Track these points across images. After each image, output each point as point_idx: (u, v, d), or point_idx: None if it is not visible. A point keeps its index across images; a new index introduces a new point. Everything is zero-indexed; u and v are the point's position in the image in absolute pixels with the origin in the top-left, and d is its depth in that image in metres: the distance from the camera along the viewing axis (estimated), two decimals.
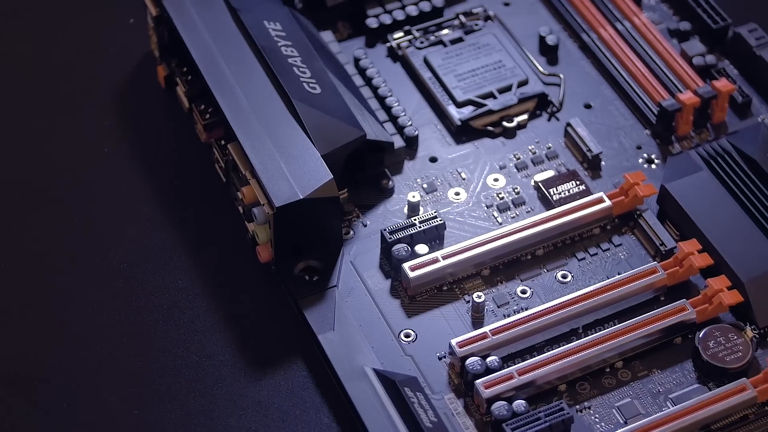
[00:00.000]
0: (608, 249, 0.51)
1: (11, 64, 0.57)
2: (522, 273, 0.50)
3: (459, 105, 0.54)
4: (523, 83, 0.55)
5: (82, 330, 0.49)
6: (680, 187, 0.51)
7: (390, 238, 0.49)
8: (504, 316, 0.48)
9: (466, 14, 0.57)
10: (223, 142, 0.52)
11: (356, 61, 0.56)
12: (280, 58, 0.51)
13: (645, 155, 0.53)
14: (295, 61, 0.52)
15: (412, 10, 0.57)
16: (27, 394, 0.47)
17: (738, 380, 0.46)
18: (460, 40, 0.56)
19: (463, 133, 0.54)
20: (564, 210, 0.50)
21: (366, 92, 0.54)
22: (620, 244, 0.51)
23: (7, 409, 0.47)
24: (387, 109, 0.54)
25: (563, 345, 0.47)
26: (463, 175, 0.53)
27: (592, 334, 0.47)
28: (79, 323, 0.49)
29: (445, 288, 0.49)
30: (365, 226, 0.51)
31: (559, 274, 0.50)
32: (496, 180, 0.52)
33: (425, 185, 0.52)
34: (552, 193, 0.52)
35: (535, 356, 0.47)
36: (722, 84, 0.53)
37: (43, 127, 0.55)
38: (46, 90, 0.56)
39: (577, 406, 0.46)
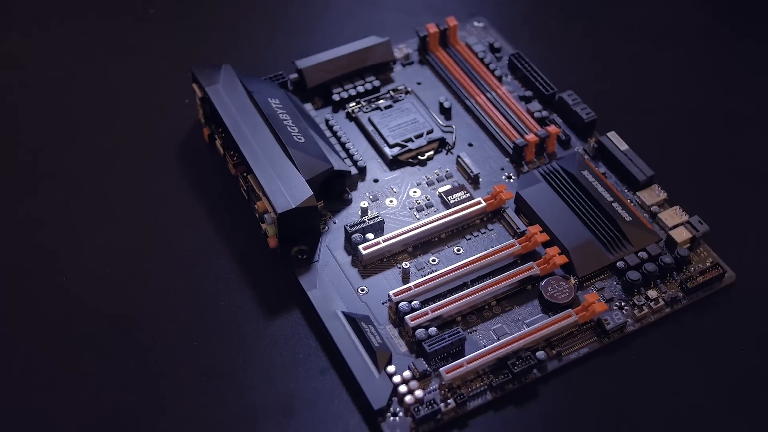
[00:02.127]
0: (485, 232, 0.51)
1: (110, 127, 0.57)
2: (432, 249, 0.50)
3: (391, 146, 0.54)
4: (430, 132, 0.55)
5: (162, 297, 0.48)
6: (528, 193, 0.51)
7: (350, 230, 0.49)
8: (422, 275, 0.48)
9: (394, 90, 0.57)
10: (245, 174, 0.51)
11: (326, 121, 0.55)
12: (278, 120, 0.51)
13: (506, 174, 0.53)
14: (288, 122, 0.51)
15: (360, 89, 0.57)
16: (125, 336, 0.47)
17: (566, 310, 0.46)
18: (390, 106, 0.56)
19: (394, 163, 0.54)
20: (457, 209, 0.50)
21: (333, 140, 0.54)
22: (492, 229, 0.51)
23: (111, 347, 0.46)
24: (346, 150, 0.54)
25: (459, 292, 0.47)
26: (395, 189, 0.53)
27: (476, 285, 0.47)
28: (159, 293, 0.49)
29: (385, 260, 0.49)
30: (335, 223, 0.51)
31: (455, 249, 0.50)
32: (415, 192, 0.52)
33: (371, 197, 0.52)
34: (449, 199, 0.51)
35: (441, 300, 0.47)
36: (552, 129, 0.54)
37: (128, 169, 0.54)
38: (131, 145, 0.56)
39: (468, 330, 0.47)
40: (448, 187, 0.52)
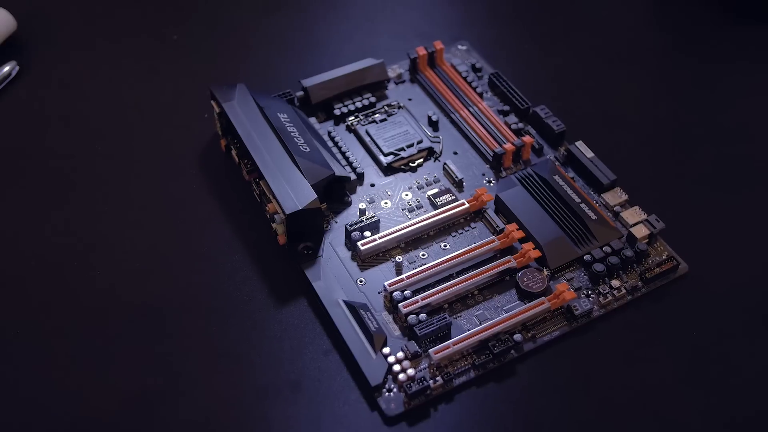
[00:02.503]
0: (468, 230, 0.51)
1: (138, 139, 0.57)
2: (422, 245, 0.50)
3: (385, 155, 0.54)
4: (419, 142, 0.55)
5: (185, 289, 0.49)
6: (506, 195, 0.51)
7: (350, 229, 0.50)
8: (413, 268, 0.48)
9: (388, 105, 0.57)
10: (257, 180, 0.51)
11: (329, 133, 0.55)
12: (286, 132, 0.51)
13: (487, 178, 0.54)
14: (295, 134, 0.51)
15: (359, 105, 0.57)
16: (152, 323, 0.47)
17: (540, 298, 0.47)
18: (385, 119, 0.56)
19: (388, 170, 0.54)
20: (444, 210, 0.50)
21: (334, 150, 0.54)
22: (475, 227, 0.51)
23: (139, 333, 0.47)
24: (346, 158, 0.54)
25: (445, 283, 0.47)
26: (389, 192, 0.53)
27: (460, 276, 0.48)
28: (182, 285, 0.49)
29: (381, 254, 0.49)
30: (336, 222, 0.51)
31: (442, 245, 0.50)
32: (406, 195, 0.52)
33: (368, 199, 0.52)
34: (437, 201, 0.52)
35: (430, 289, 0.47)
36: (527, 139, 0.54)
37: (154, 175, 0.54)
38: (157, 154, 0.56)
39: (454, 316, 0.47)
40: (435, 190, 0.52)
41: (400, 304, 0.46)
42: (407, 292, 0.47)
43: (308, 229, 0.49)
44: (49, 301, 0.48)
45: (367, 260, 0.49)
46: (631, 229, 0.50)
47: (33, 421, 0.43)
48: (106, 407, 0.44)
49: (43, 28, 0.64)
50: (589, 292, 0.48)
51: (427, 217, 0.50)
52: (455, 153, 0.55)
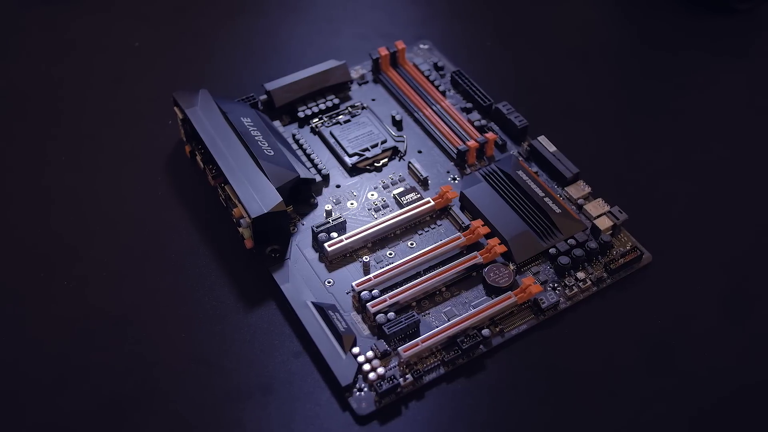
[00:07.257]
0: (434, 227, 0.51)
1: (103, 147, 0.56)
2: (389, 244, 0.50)
3: (350, 155, 0.54)
4: (383, 142, 0.55)
5: (154, 295, 0.48)
6: (471, 191, 0.51)
7: (316, 230, 0.49)
8: (380, 267, 0.48)
9: (352, 107, 0.57)
10: (222, 185, 0.51)
11: (293, 135, 0.55)
12: (250, 136, 0.51)
13: (451, 176, 0.54)
14: (259, 138, 0.51)
15: (322, 106, 0.57)
16: (122, 330, 0.46)
17: (506, 293, 0.47)
18: (348, 120, 0.56)
19: (353, 170, 0.54)
20: (409, 208, 0.51)
21: (299, 152, 0.54)
22: (440, 225, 0.51)
23: (109, 340, 0.46)
24: (311, 160, 0.54)
25: (413, 281, 0.47)
26: (354, 193, 0.53)
27: (427, 273, 0.48)
28: (151, 291, 0.48)
29: (348, 255, 0.49)
30: (303, 224, 0.51)
31: (408, 243, 0.50)
32: (372, 195, 0.52)
33: (334, 200, 0.52)
34: (403, 200, 0.52)
35: (398, 288, 0.47)
36: (490, 135, 0.54)
37: (119, 183, 0.54)
38: (122, 162, 0.55)
39: (422, 314, 0.47)
40: (401, 189, 0.52)
41: (368, 304, 0.46)
42: (375, 292, 0.46)
43: (275, 232, 0.49)
44: (15, 310, 0.47)
45: (334, 261, 0.49)
46: (595, 221, 0.50)
47: (3, 429, 0.43)
48: (77, 414, 0.43)
49: (2, 37, 0.63)
50: (555, 285, 0.48)
51: (393, 216, 0.50)
52: (419, 152, 0.55)
